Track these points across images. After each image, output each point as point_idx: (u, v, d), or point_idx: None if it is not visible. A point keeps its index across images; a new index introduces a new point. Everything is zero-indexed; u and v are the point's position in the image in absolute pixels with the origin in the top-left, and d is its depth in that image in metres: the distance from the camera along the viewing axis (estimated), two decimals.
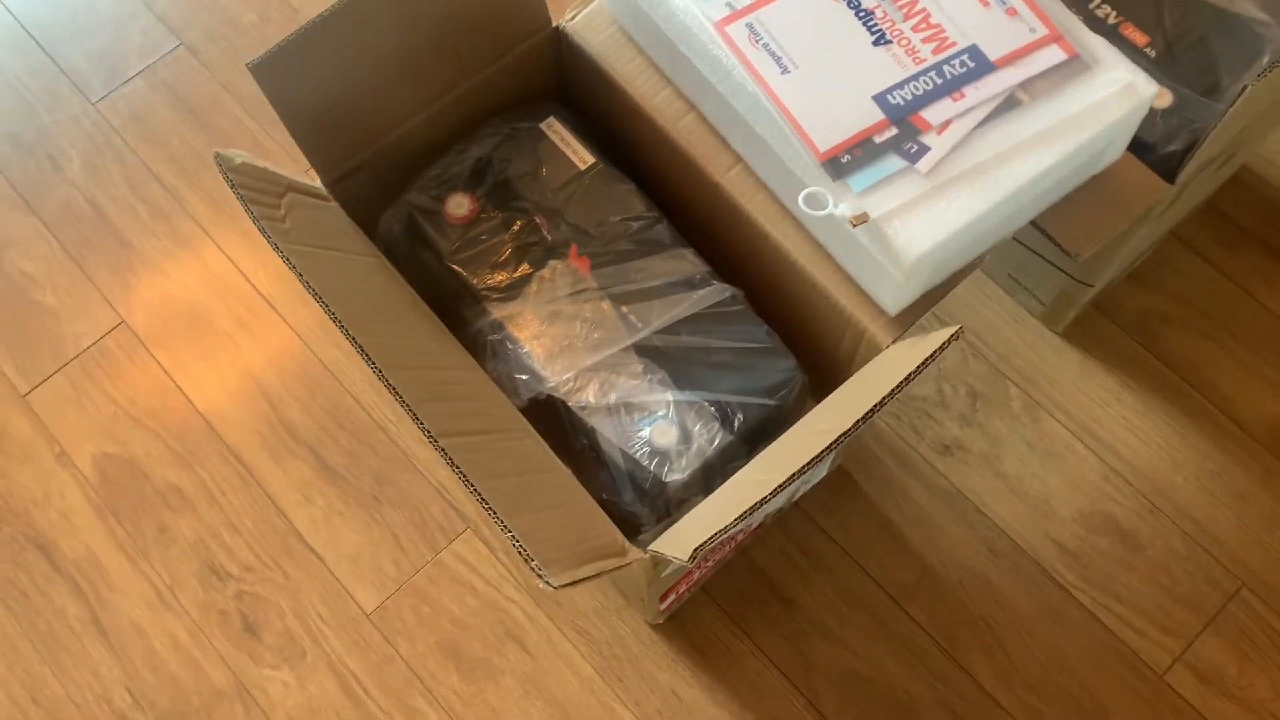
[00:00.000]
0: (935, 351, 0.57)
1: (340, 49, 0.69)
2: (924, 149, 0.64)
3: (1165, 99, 0.78)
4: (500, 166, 0.79)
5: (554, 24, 0.79)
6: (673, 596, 0.83)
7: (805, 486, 0.89)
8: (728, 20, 0.67)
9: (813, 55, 0.66)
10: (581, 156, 0.79)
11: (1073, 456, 0.92)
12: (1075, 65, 0.66)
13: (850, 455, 0.93)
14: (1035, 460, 0.92)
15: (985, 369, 0.96)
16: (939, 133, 0.64)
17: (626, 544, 0.64)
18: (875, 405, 0.56)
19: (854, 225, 0.62)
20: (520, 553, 0.55)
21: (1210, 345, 0.95)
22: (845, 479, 0.92)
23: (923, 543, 0.90)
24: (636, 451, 0.70)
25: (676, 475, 0.70)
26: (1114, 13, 0.81)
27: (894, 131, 0.64)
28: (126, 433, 0.96)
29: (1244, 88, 0.64)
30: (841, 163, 0.64)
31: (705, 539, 0.54)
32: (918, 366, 0.57)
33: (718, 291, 0.74)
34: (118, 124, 1.08)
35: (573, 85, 0.83)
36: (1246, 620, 0.87)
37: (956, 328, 0.59)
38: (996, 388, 0.95)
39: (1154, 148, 0.76)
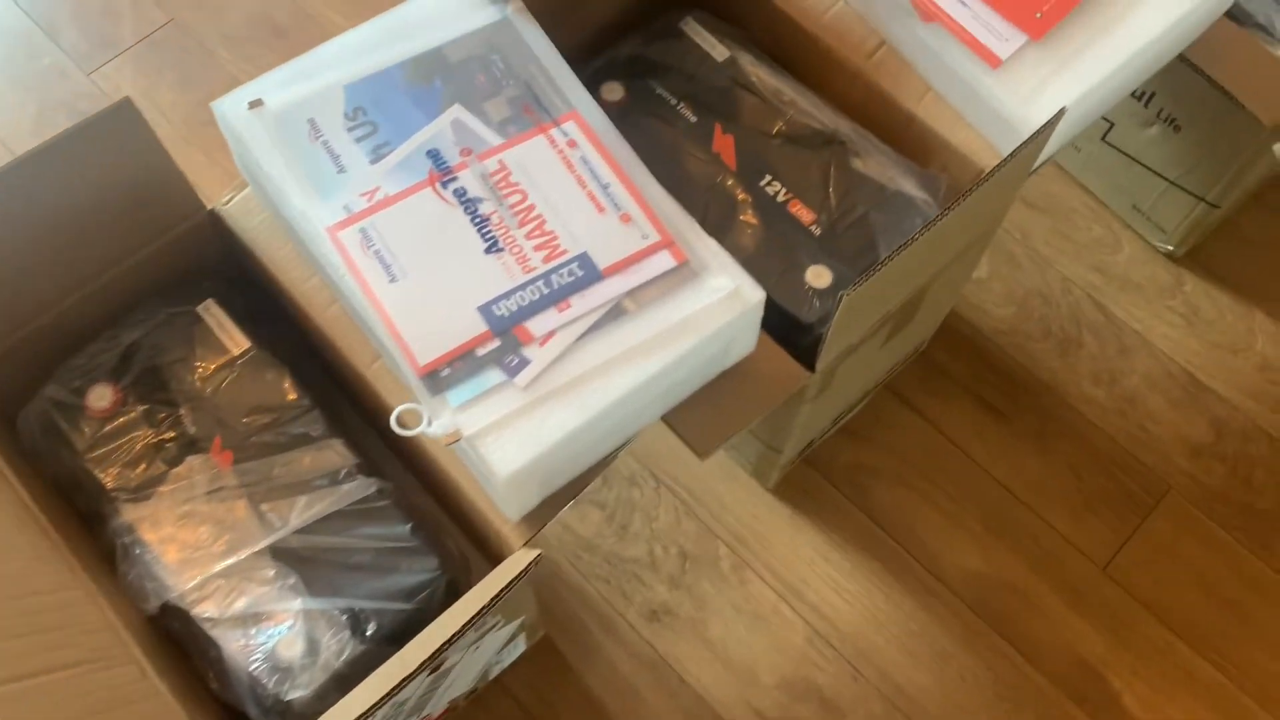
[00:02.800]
0: (502, 590, 0.56)
1: None
2: (524, 362, 0.63)
3: (825, 278, 0.79)
4: (150, 353, 0.76)
5: (210, 207, 0.78)
6: None
7: (499, 666, 0.87)
8: (342, 225, 0.66)
9: (423, 264, 0.65)
10: (236, 341, 0.77)
11: (778, 619, 0.92)
12: (684, 272, 0.66)
13: (555, 624, 0.91)
14: (741, 624, 0.92)
15: (697, 528, 0.95)
16: (541, 344, 0.63)
17: None
18: (441, 645, 0.55)
19: (447, 444, 0.61)
20: None
21: (917, 499, 0.96)
22: (549, 649, 0.90)
23: (624, 716, 0.88)
24: (257, 669, 0.67)
25: (299, 692, 0.67)
26: (784, 189, 0.83)
27: (496, 344, 0.63)
28: None
29: (840, 297, 0.64)
30: (440, 376, 0.63)
31: None
32: (486, 603, 0.56)
33: (362, 486, 0.73)
34: None
35: (235, 265, 0.81)
36: None
37: (535, 555, 0.58)
38: (707, 548, 0.94)
39: (811, 328, 0.77)
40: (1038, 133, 0.68)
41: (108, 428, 0.74)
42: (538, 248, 0.66)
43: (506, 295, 0.64)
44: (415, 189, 0.67)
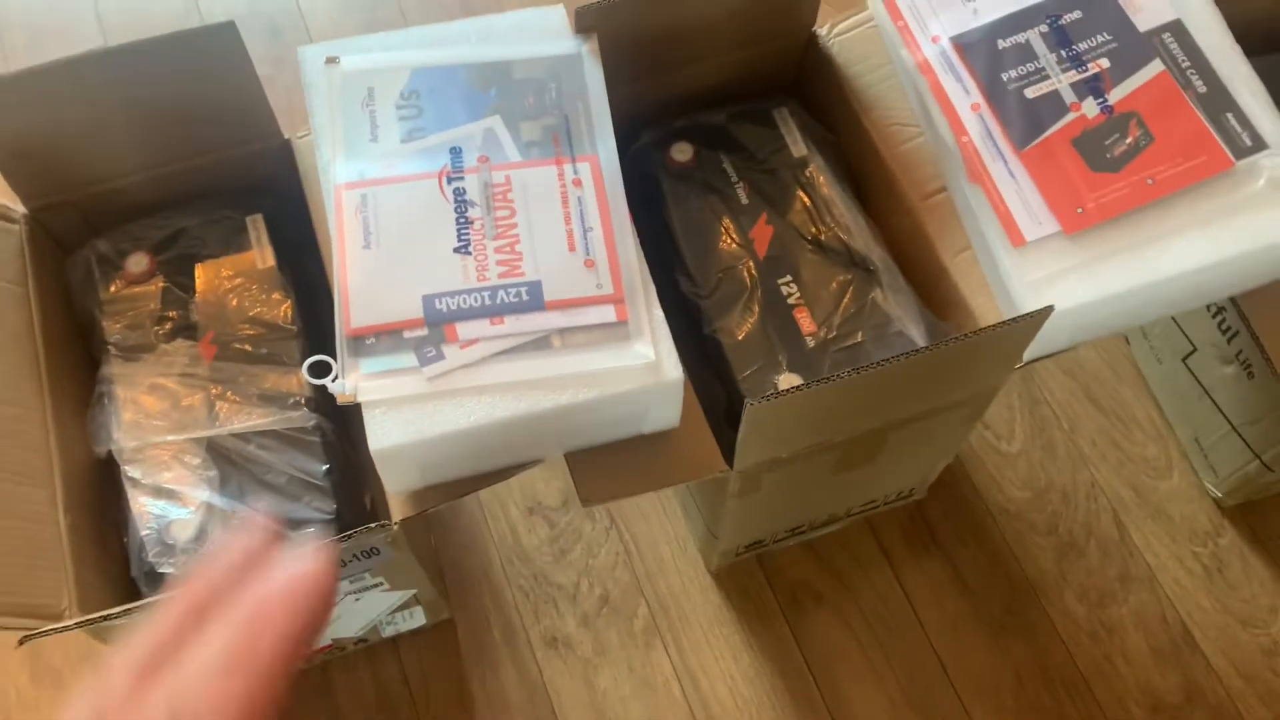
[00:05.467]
0: (337, 539, 0.60)
1: (52, 99, 0.77)
2: (439, 357, 0.67)
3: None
4: (192, 243, 0.85)
5: (286, 136, 0.86)
6: None
7: (392, 627, 0.92)
8: (350, 186, 0.73)
9: (398, 240, 0.71)
10: (265, 257, 0.85)
11: (665, 695, 0.92)
12: (618, 330, 0.69)
13: (466, 614, 0.95)
14: (629, 684, 0.93)
15: (629, 580, 0.97)
16: (462, 347, 0.68)
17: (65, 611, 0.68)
18: None
19: (341, 403, 0.66)
20: None
21: (849, 640, 0.94)
22: (450, 634, 0.94)
23: None
24: (148, 535, 0.75)
25: (173, 570, 0.74)
26: (798, 294, 0.84)
27: (423, 332, 0.68)
28: None
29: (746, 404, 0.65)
30: (364, 343, 0.68)
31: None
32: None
33: (302, 418, 0.79)
34: None
35: (296, 193, 0.89)
36: None
37: (389, 526, 0.62)
38: (629, 602, 0.96)
39: None
40: (1013, 320, 0.67)
41: (132, 289, 0.83)
42: (500, 262, 0.70)
43: (452, 294, 0.69)
44: (423, 176, 0.73)
